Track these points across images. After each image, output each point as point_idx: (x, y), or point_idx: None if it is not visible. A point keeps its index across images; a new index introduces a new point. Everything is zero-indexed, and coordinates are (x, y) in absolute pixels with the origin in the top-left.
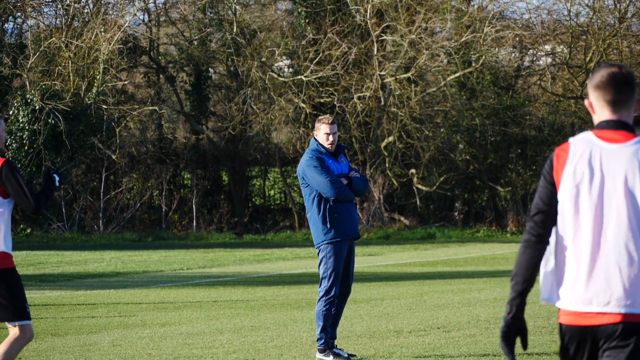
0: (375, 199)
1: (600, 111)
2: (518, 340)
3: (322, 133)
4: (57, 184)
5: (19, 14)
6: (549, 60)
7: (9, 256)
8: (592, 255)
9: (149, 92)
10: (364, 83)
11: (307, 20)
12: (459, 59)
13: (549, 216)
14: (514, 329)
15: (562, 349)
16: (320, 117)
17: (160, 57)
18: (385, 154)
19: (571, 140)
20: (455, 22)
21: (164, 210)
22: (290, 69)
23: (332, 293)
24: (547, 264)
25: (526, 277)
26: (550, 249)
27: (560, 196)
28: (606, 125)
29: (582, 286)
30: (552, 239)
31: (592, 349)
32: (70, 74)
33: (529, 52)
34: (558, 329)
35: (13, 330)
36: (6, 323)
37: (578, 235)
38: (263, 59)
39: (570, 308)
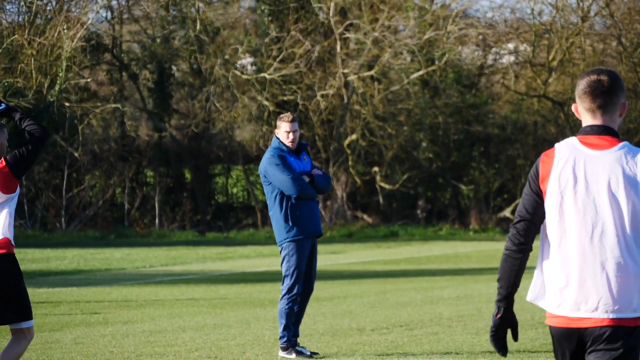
0: (338, 197)
1: (584, 117)
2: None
3: (283, 131)
4: (5, 106)
5: None
6: (512, 58)
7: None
8: (578, 261)
9: (112, 90)
10: (327, 81)
11: (270, 18)
12: (422, 57)
13: (531, 224)
14: (503, 328)
15: (554, 349)
16: (281, 115)
17: (123, 55)
18: (349, 152)
19: (556, 146)
20: (419, 20)
21: (126, 208)
22: (254, 67)
23: (295, 291)
24: (537, 265)
25: (510, 283)
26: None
27: (546, 203)
28: (590, 130)
29: (569, 291)
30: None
31: (577, 351)
32: (33, 72)
33: (492, 51)
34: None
35: (15, 335)
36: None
37: (564, 241)
38: (226, 57)
39: (558, 313)
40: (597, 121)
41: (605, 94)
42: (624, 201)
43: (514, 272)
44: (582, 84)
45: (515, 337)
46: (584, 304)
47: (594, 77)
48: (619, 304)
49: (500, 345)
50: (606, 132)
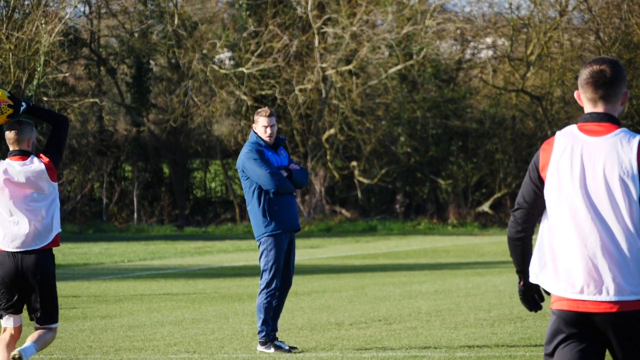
0: (316, 191)
1: (586, 105)
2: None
3: (260, 126)
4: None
5: None
6: (490, 53)
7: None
8: (579, 245)
9: (90, 84)
10: (305, 75)
11: (248, 13)
12: (401, 51)
13: (529, 213)
14: (529, 292)
15: (552, 331)
16: (258, 110)
17: (101, 49)
18: (327, 146)
19: (557, 134)
20: (397, 14)
21: (104, 202)
22: (232, 61)
23: (273, 286)
24: (537, 248)
25: (519, 262)
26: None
27: (546, 189)
28: (589, 117)
29: (572, 276)
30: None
31: (578, 333)
32: (11, 66)
33: (470, 45)
34: (551, 315)
35: (39, 332)
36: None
37: (563, 226)
38: (204, 51)
39: (564, 295)
40: (598, 109)
41: (607, 84)
42: (618, 186)
43: (519, 255)
44: (584, 74)
45: (541, 298)
46: (587, 288)
47: (596, 67)
48: (621, 286)
49: (530, 305)
50: (606, 118)
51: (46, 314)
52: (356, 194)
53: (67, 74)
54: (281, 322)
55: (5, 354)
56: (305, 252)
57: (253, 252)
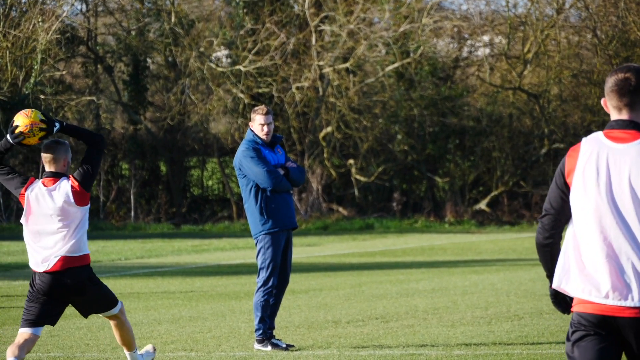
0: (313, 189)
1: (612, 113)
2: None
3: (257, 124)
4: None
5: None
6: (487, 51)
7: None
8: (604, 252)
9: (87, 82)
10: (303, 73)
11: (245, 10)
12: (398, 49)
13: (556, 219)
14: (560, 294)
15: (573, 333)
16: (255, 108)
17: (98, 47)
18: (324, 144)
19: (583, 140)
20: (394, 12)
21: (101, 200)
22: (229, 59)
23: (270, 284)
24: (563, 253)
25: (548, 267)
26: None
27: (571, 195)
28: (615, 125)
29: (597, 280)
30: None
31: (611, 336)
32: (8, 64)
33: (467, 43)
34: (573, 316)
35: (113, 321)
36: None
37: (588, 232)
38: (201, 49)
39: (588, 298)
40: (623, 116)
41: (631, 92)
42: None
43: (548, 260)
44: (610, 82)
45: (571, 299)
46: (612, 293)
47: (621, 75)
48: None
49: (562, 307)
50: (631, 126)
51: (97, 310)
52: (353, 192)
53: (64, 72)
54: (278, 320)
55: (15, 350)
56: (303, 250)
57: (250, 250)
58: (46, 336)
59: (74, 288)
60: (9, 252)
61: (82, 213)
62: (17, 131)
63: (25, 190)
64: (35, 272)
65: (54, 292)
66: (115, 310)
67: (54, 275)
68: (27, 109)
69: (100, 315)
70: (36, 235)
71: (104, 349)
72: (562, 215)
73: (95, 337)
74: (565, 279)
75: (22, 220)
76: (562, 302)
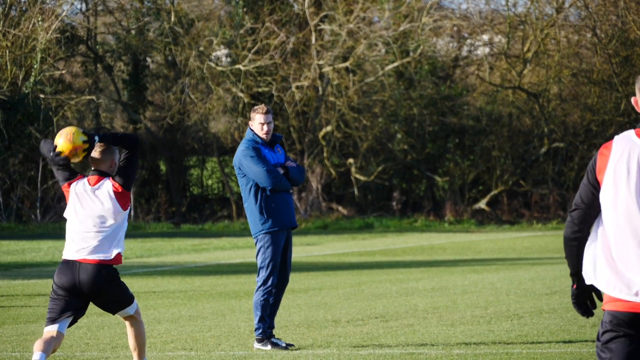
0: (313, 188)
1: None
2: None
3: (257, 123)
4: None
5: None
6: (487, 50)
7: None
8: (634, 250)
9: (87, 82)
10: (302, 72)
11: (245, 10)
12: (397, 48)
13: (586, 213)
14: (582, 295)
15: (604, 331)
16: (255, 107)
17: (97, 47)
18: (324, 143)
19: (615, 138)
20: (393, 11)
21: None
22: (228, 59)
23: (270, 283)
24: (592, 249)
25: (574, 263)
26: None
27: (601, 193)
28: None
29: (627, 278)
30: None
31: (632, 334)
32: (8, 64)
33: (466, 42)
34: (604, 314)
35: (128, 321)
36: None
37: (618, 230)
38: (201, 49)
39: (619, 296)
40: None
41: None
42: None
43: (574, 255)
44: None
45: (600, 297)
46: None
47: None
48: None
49: (583, 309)
50: None
51: (114, 309)
52: (353, 191)
53: (63, 72)
54: (278, 320)
55: (42, 344)
56: (302, 249)
57: (250, 250)
58: None
59: (92, 284)
60: (8, 251)
61: (122, 214)
62: (61, 155)
63: (70, 185)
64: (60, 264)
65: (74, 286)
66: (130, 310)
67: (79, 267)
68: (69, 130)
69: (117, 315)
70: (73, 228)
71: (104, 348)
72: (592, 210)
73: (95, 336)
74: (597, 276)
75: (65, 214)
76: (582, 304)
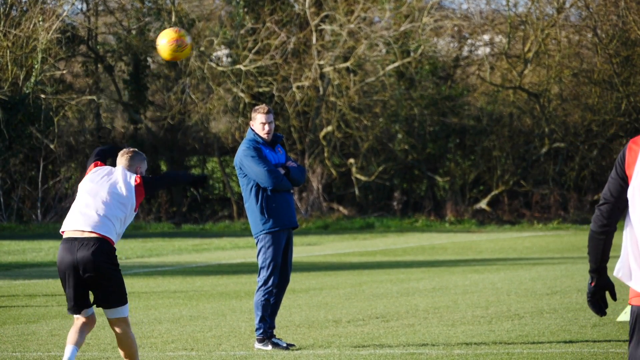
0: (313, 188)
1: None
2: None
3: (258, 122)
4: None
5: None
6: (488, 50)
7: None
8: None
9: (87, 82)
10: (303, 72)
11: (245, 10)
12: (398, 48)
13: (614, 207)
14: (598, 293)
15: (634, 327)
16: (256, 107)
17: (98, 47)
18: (324, 143)
19: None
20: (394, 11)
21: None
22: (229, 59)
23: (271, 283)
24: (623, 246)
25: (598, 259)
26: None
27: (630, 188)
28: None
29: None
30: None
31: None
32: (9, 64)
33: (467, 42)
34: (631, 310)
35: (119, 330)
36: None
37: None
38: (201, 49)
39: None
40: None
41: None
42: None
43: (599, 250)
44: None
45: (613, 297)
46: None
47: None
48: None
49: (597, 308)
50: None
51: (108, 297)
52: (353, 191)
53: (64, 72)
54: (279, 320)
55: (74, 335)
56: (303, 249)
57: (251, 250)
58: (46, 335)
59: (91, 261)
60: (9, 251)
61: (130, 208)
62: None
63: (96, 165)
64: (60, 244)
65: (72, 265)
66: (123, 312)
67: (77, 242)
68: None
69: (110, 317)
70: (82, 199)
71: (105, 348)
72: (620, 203)
73: (95, 336)
74: (622, 270)
75: (81, 185)
76: (597, 303)
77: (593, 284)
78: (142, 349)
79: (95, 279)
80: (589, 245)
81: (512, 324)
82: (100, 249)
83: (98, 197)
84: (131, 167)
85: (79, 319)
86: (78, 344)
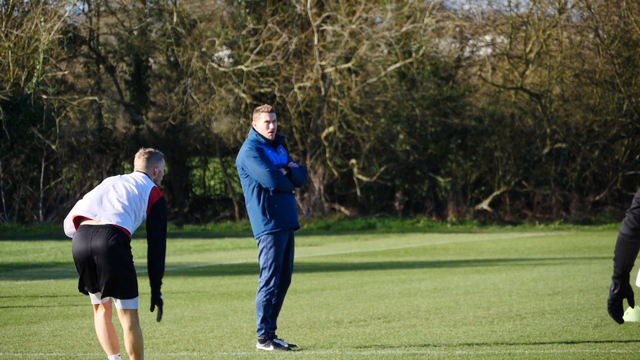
0: (315, 189)
1: None
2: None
3: (262, 121)
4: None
5: None
6: (489, 50)
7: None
8: None
9: (89, 82)
10: (305, 73)
11: (247, 10)
12: (400, 49)
13: None
14: (620, 300)
15: None
16: (258, 107)
17: (100, 47)
18: (326, 144)
19: None
20: (396, 12)
21: None
22: (231, 59)
23: (272, 283)
24: None
25: (625, 263)
26: None
27: None
28: None
29: None
30: None
31: None
32: (10, 64)
33: (469, 43)
34: None
35: (127, 322)
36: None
37: None
38: (203, 49)
39: None
40: None
41: None
42: None
43: (628, 254)
44: None
45: (631, 304)
46: None
47: None
48: None
49: (618, 315)
50: None
51: (119, 288)
52: (355, 191)
53: (66, 72)
54: (280, 320)
55: (108, 341)
56: (304, 249)
57: (252, 250)
58: (48, 336)
59: (106, 249)
60: (11, 252)
61: (139, 215)
62: None
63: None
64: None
65: (87, 253)
66: (133, 304)
67: (92, 229)
68: None
69: (118, 307)
70: (101, 187)
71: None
72: None
73: (97, 336)
74: None
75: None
76: (617, 309)
77: (616, 291)
78: (144, 349)
79: (108, 267)
80: (617, 249)
81: (514, 324)
82: (116, 239)
83: (116, 188)
84: (149, 168)
85: (98, 311)
86: (116, 348)
